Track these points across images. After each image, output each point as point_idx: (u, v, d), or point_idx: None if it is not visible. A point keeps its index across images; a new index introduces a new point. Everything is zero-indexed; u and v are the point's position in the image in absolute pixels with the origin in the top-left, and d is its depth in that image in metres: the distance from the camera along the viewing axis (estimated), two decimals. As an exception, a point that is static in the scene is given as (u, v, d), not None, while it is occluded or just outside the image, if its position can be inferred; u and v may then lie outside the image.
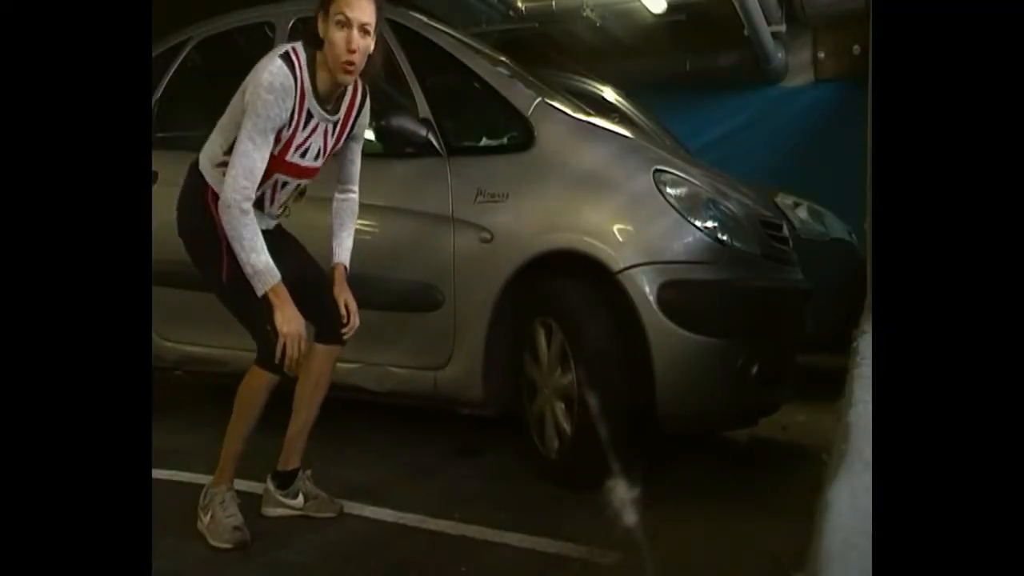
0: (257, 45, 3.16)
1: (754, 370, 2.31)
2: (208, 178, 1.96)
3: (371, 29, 1.89)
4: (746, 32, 5.70)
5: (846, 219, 4.31)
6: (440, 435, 2.94)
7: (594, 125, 2.64)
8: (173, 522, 1.98)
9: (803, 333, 2.76)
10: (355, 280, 2.14)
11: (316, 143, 1.97)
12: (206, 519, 1.95)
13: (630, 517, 1.97)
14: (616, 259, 2.26)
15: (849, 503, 0.84)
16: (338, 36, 1.85)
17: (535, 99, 2.58)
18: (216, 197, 1.89)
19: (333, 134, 2.01)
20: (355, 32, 1.86)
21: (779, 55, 6.35)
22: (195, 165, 2.01)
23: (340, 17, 1.85)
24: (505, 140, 2.71)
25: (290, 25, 3.03)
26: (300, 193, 2.10)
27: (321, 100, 1.93)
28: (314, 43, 1.90)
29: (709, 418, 2.46)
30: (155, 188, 2.90)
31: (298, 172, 2.00)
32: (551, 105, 2.60)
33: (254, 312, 1.88)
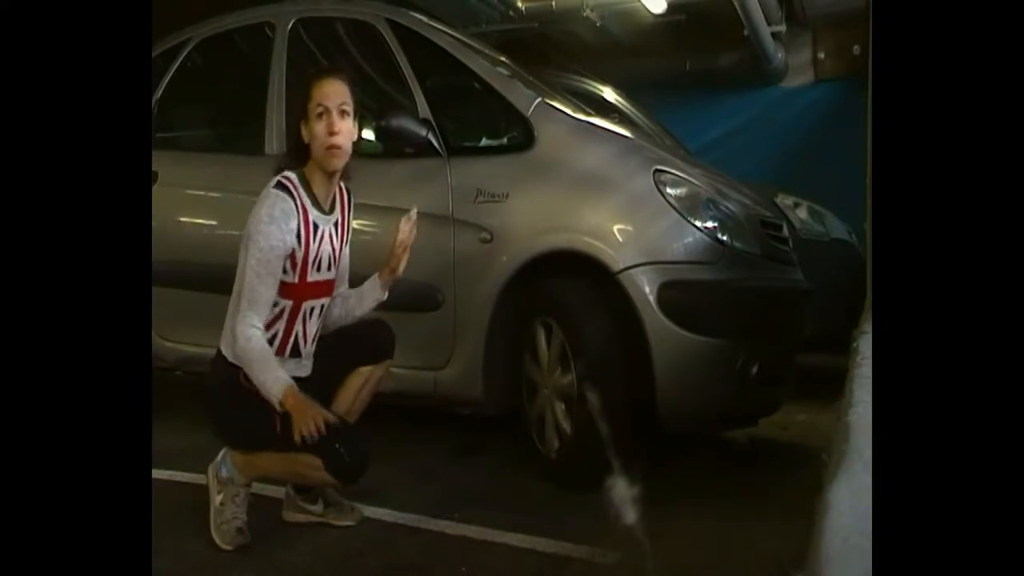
0: (257, 45, 3.17)
1: (754, 370, 2.30)
2: (237, 360, 1.89)
3: (349, 110, 1.94)
4: (746, 32, 5.70)
5: (846, 219, 4.31)
6: (440, 435, 2.94)
7: (594, 125, 2.64)
8: (173, 522, 1.98)
9: (803, 333, 2.76)
10: (356, 280, 2.14)
11: (326, 251, 1.98)
12: (217, 500, 1.95)
13: (630, 517, 1.96)
14: (616, 259, 2.26)
15: (849, 503, 0.84)
16: (319, 127, 1.92)
17: (535, 99, 2.58)
18: (247, 377, 1.85)
19: (337, 236, 2.03)
20: (334, 116, 1.91)
21: (779, 55, 6.35)
22: (219, 356, 1.96)
23: (319, 109, 1.92)
24: (505, 140, 2.71)
25: (290, 25, 3.04)
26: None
27: (320, 206, 1.96)
28: (302, 157, 1.95)
29: (709, 418, 2.46)
30: (155, 188, 2.92)
31: (319, 291, 2.00)
32: (551, 105, 2.60)
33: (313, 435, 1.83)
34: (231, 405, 1.94)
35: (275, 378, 1.83)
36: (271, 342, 1.93)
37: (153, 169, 2.88)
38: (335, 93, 1.93)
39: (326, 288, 2.03)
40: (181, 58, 3.30)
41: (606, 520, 1.84)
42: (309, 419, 1.77)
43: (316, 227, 1.94)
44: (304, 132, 1.94)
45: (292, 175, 1.93)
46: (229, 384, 1.91)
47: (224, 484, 1.96)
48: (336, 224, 2.02)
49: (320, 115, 1.92)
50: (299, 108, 1.96)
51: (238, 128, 3.38)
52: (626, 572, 1.80)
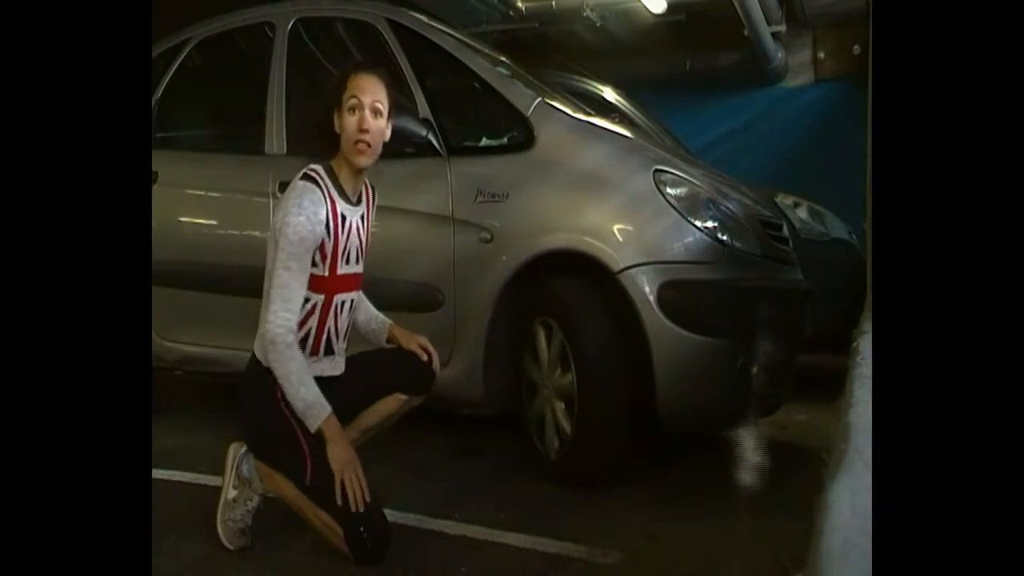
0: (257, 45, 3.17)
1: (754, 370, 2.30)
2: (271, 363, 1.86)
3: (383, 110, 1.92)
4: (746, 32, 5.69)
5: (846, 219, 4.31)
6: (440, 435, 2.94)
7: (594, 125, 2.64)
8: (173, 522, 1.98)
9: (803, 333, 2.76)
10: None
11: (354, 243, 1.96)
12: (230, 494, 1.92)
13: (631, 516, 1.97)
14: (616, 259, 2.26)
15: (849, 503, 0.84)
16: (350, 120, 1.89)
17: (535, 99, 2.58)
18: (287, 398, 1.83)
19: (363, 228, 2.01)
20: (367, 113, 1.89)
21: (779, 55, 6.34)
22: (253, 362, 1.92)
23: (352, 101, 1.89)
24: (505, 140, 2.71)
25: (290, 25, 3.04)
26: None
27: (348, 197, 1.94)
28: (329, 148, 1.93)
29: (709, 418, 2.46)
30: (155, 188, 2.92)
31: (348, 284, 1.98)
32: (551, 105, 2.60)
33: (342, 499, 1.81)
34: (261, 414, 1.88)
35: (316, 398, 1.80)
36: (304, 340, 1.91)
37: (153, 169, 2.88)
38: (371, 89, 1.90)
39: (355, 281, 2.01)
40: (181, 58, 3.29)
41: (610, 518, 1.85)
42: (349, 473, 1.77)
43: (344, 218, 1.92)
44: (336, 122, 1.91)
45: (318, 167, 1.91)
46: (268, 404, 1.85)
47: (243, 483, 1.93)
48: (362, 217, 2.00)
49: (352, 109, 1.89)
50: (332, 97, 1.92)
51: (238, 128, 3.38)
52: (626, 572, 1.80)
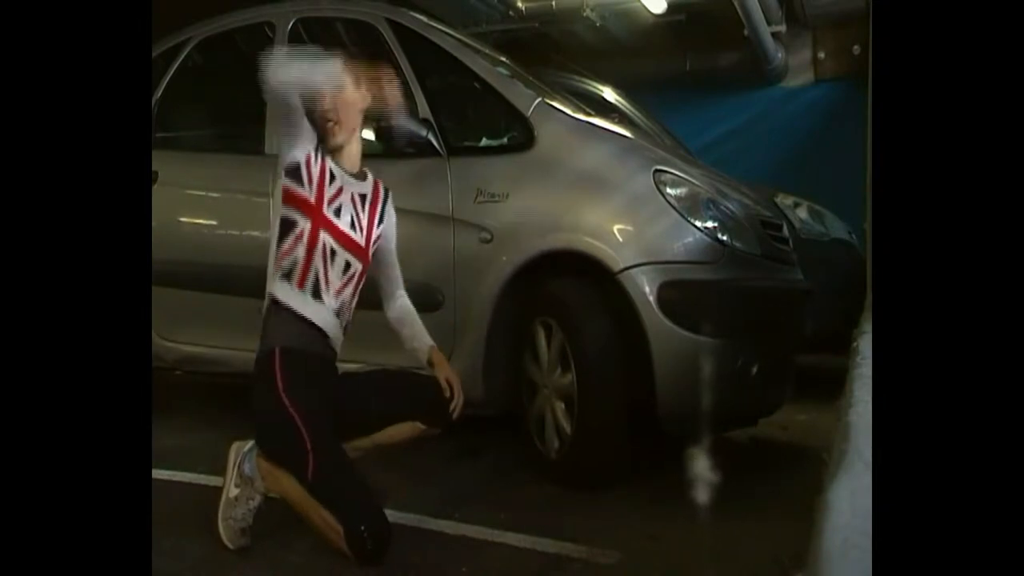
0: (257, 45, 3.16)
1: (754, 370, 2.30)
2: None
3: (343, 84, 1.92)
4: (746, 32, 5.70)
5: (846, 219, 4.31)
6: (440, 435, 2.94)
7: (594, 125, 2.65)
8: (173, 522, 1.98)
9: (803, 333, 2.76)
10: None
11: (347, 208, 1.96)
12: (232, 492, 1.92)
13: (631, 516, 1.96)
14: (616, 259, 2.26)
15: (849, 503, 0.84)
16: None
17: (535, 99, 2.58)
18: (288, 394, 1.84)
19: (364, 208, 2.00)
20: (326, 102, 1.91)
21: (779, 55, 6.35)
22: (259, 355, 1.92)
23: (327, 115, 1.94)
24: (505, 140, 2.71)
25: (290, 25, 3.04)
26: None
27: (342, 165, 1.97)
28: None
29: (709, 418, 2.46)
30: (155, 188, 2.92)
31: (340, 237, 1.95)
32: (551, 105, 2.60)
33: (343, 497, 1.82)
34: (273, 426, 1.89)
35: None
36: (291, 269, 1.91)
37: (153, 169, 2.88)
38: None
39: (347, 241, 1.96)
40: (181, 58, 3.30)
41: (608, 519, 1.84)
42: None
43: (333, 177, 1.94)
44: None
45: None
46: (272, 401, 1.86)
47: (245, 482, 1.93)
48: (366, 197, 2.02)
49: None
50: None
51: (238, 128, 3.38)
52: (626, 572, 1.80)
